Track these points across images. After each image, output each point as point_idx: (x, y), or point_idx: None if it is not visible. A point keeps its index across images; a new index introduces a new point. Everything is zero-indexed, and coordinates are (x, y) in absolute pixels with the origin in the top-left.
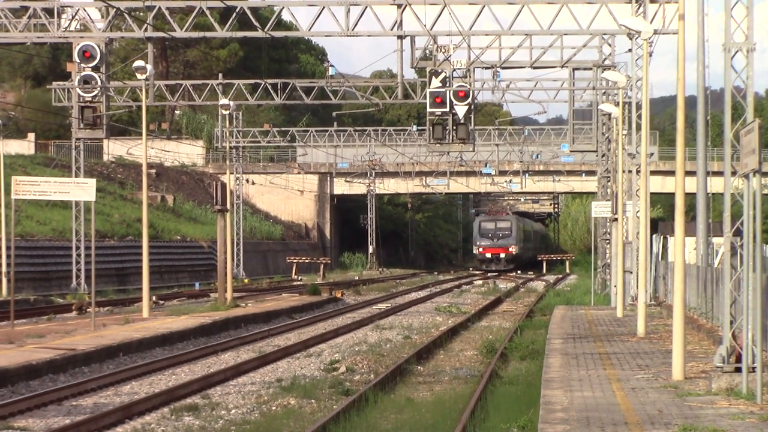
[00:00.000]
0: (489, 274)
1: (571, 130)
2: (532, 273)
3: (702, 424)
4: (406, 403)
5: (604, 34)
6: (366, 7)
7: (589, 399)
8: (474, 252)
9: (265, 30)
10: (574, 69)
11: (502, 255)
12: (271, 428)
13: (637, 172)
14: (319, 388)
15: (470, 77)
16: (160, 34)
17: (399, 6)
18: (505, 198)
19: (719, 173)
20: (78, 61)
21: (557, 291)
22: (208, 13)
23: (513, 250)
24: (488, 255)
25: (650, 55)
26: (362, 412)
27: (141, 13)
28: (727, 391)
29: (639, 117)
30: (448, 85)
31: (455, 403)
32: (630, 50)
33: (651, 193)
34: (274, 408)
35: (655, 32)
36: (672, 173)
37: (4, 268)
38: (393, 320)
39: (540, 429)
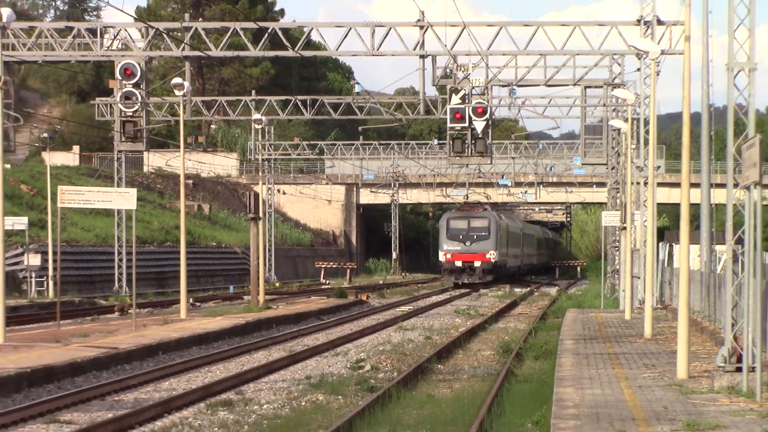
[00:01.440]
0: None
1: (582, 144)
2: (545, 278)
3: (705, 420)
4: (427, 400)
5: (614, 54)
6: (390, 29)
7: (599, 396)
8: (440, 259)
9: (296, 49)
10: (585, 87)
11: (477, 263)
12: (300, 422)
13: (645, 183)
14: (346, 385)
15: (488, 94)
16: (197, 53)
17: (421, 27)
18: (521, 207)
19: (722, 185)
20: (120, 78)
21: (569, 295)
22: (241, 33)
23: (491, 256)
24: (458, 263)
25: (657, 74)
26: (386, 407)
27: (179, 34)
28: (729, 390)
29: (647, 132)
30: (467, 101)
31: (473, 400)
32: (638, 69)
33: (657, 204)
34: (303, 403)
35: (663, 53)
36: (677, 185)
37: (51, 272)
38: (415, 322)
39: (553, 424)
